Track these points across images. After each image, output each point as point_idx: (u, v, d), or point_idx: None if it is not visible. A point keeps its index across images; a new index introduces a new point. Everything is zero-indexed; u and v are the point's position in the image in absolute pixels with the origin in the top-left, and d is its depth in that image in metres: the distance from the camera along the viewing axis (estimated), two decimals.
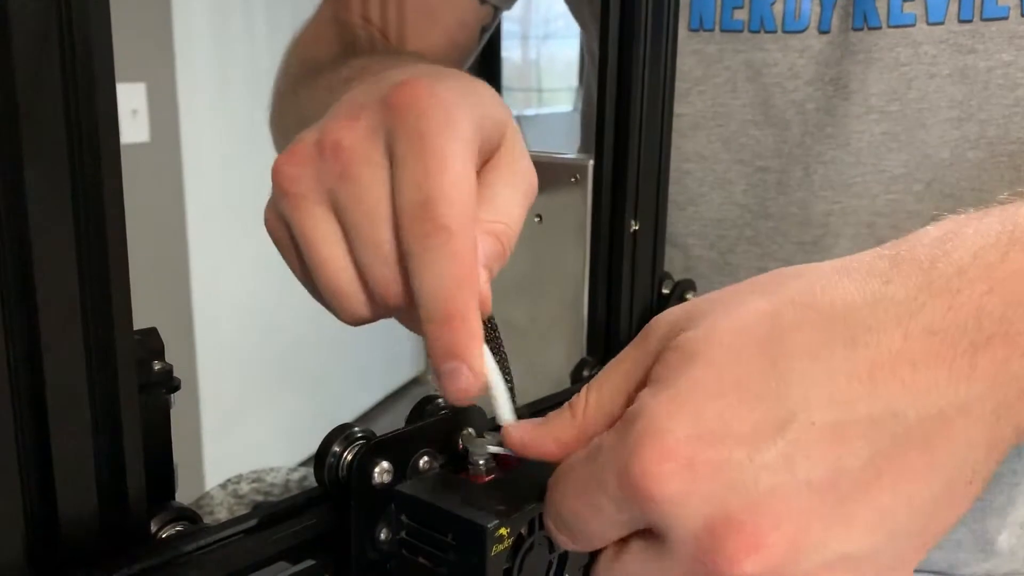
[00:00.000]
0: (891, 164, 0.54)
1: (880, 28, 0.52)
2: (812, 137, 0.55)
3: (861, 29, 0.52)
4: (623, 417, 0.26)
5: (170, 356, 0.32)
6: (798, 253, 0.57)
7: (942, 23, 0.50)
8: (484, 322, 0.31)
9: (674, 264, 0.60)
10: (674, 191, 0.59)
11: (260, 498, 0.75)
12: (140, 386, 0.30)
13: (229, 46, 2.10)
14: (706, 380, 0.25)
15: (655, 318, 0.29)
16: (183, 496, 0.77)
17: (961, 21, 0.50)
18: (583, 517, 0.28)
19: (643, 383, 0.27)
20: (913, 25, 0.51)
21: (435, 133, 0.28)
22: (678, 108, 0.57)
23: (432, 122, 0.28)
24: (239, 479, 0.77)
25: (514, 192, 0.32)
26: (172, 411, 0.32)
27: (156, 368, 0.31)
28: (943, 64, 0.51)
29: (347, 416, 2.79)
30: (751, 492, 0.24)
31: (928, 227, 0.28)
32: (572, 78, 3.86)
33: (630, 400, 0.28)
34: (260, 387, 2.25)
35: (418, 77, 0.30)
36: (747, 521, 0.23)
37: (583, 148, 0.70)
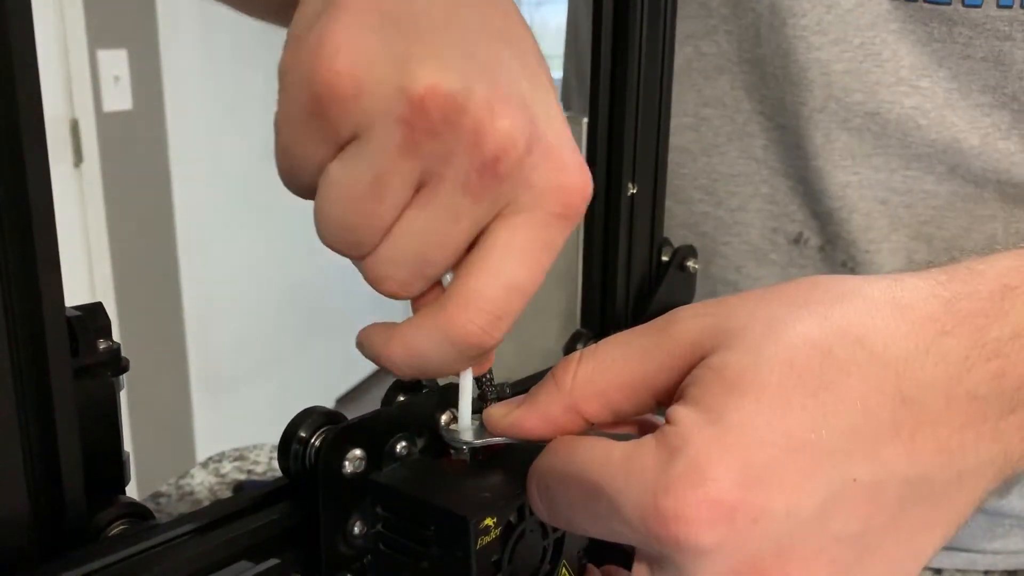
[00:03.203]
0: (916, 141, 0.51)
1: (916, 1, 0.49)
2: (837, 102, 0.52)
3: None
4: (661, 439, 0.25)
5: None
6: (811, 220, 0.55)
7: (979, 6, 0.49)
8: None
9: (672, 220, 0.57)
10: (689, 139, 0.56)
11: (243, 477, 0.72)
12: (82, 368, 0.27)
13: (212, 10, 2.04)
14: (756, 424, 0.24)
15: (676, 310, 0.27)
16: (171, 474, 0.75)
17: (1000, 7, 0.48)
18: (580, 521, 0.26)
19: (660, 386, 0.27)
20: (949, 4, 0.49)
21: (553, 246, 0.26)
22: (704, 47, 0.55)
23: (561, 235, 0.26)
24: (221, 457, 0.74)
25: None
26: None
27: (101, 347, 0.28)
28: (978, 47, 0.49)
29: (341, 388, 2.78)
30: (782, 543, 0.24)
31: (985, 265, 0.28)
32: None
33: (633, 392, 0.27)
34: (251, 359, 2.23)
35: (582, 163, 0.27)
36: (774, 570, 0.24)
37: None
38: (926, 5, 0.49)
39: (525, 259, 0.26)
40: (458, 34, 0.25)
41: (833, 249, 0.54)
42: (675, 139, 0.56)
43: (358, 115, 0.24)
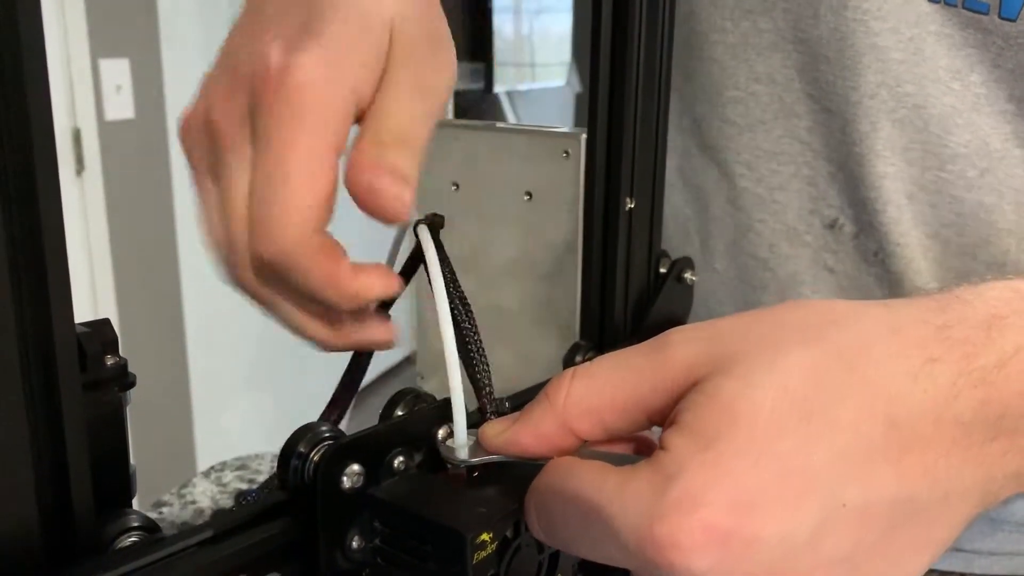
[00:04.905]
0: (954, 140, 0.52)
1: (955, 7, 0.50)
2: (889, 90, 0.52)
3: (938, 2, 0.51)
4: (655, 465, 0.25)
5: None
6: (848, 207, 0.55)
7: (1014, 20, 0.49)
8: (457, 314, 0.30)
9: (719, 192, 0.58)
10: (737, 112, 0.57)
11: (245, 486, 0.73)
12: (90, 383, 0.28)
13: (214, 19, 2.05)
14: (749, 450, 0.24)
15: (670, 332, 0.28)
16: (172, 483, 0.75)
17: None
18: (577, 545, 0.27)
19: (653, 406, 0.27)
20: (985, 14, 0.50)
21: (284, 137, 0.28)
22: (762, 23, 0.55)
23: (283, 121, 0.28)
24: (223, 467, 0.75)
25: (394, 90, 0.30)
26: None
27: (108, 363, 0.29)
28: (1008, 59, 0.50)
29: None
30: (775, 567, 0.24)
31: (973, 296, 0.29)
32: (565, 52, 3.82)
33: (626, 411, 0.27)
34: (252, 368, 2.23)
35: (286, 52, 0.28)
36: None
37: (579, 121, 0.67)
38: (964, 11, 0.50)
39: (258, 168, 0.29)
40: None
41: (866, 238, 0.55)
42: (724, 111, 0.57)
43: None
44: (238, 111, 0.29)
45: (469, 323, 0.30)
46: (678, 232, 0.61)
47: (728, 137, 0.57)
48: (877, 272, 0.55)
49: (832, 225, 0.55)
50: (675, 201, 0.61)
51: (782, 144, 0.56)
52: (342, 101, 0.28)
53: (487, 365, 0.31)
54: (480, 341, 0.31)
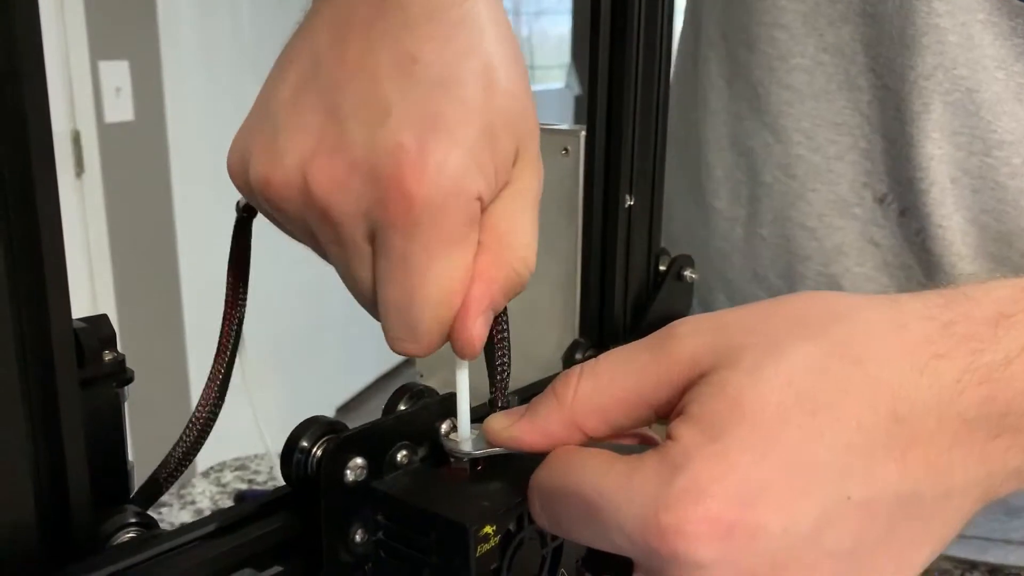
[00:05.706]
0: (1002, 128, 0.53)
1: None
2: (944, 72, 0.53)
3: None
4: (662, 455, 0.25)
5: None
6: (896, 185, 0.56)
7: None
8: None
9: (771, 158, 0.58)
10: (802, 80, 0.57)
11: (244, 486, 0.73)
12: (88, 379, 0.28)
13: (214, 21, 2.06)
14: (755, 444, 0.24)
15: (675, 324, 0.28)
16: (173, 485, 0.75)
17: None
18: (581, 533, 0.27)
19: (659, 401, 0.27)
20: None
21: (422, 261, 0.27)
22: None
23: (422, 245, 0.27)
24: (222, 467, 0.75)
25: (524, 215, 0.30)
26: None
27: (106, 359, 0.28)
28: None
29: (340, 398, 2.78)
30: (777, 559, 0.24)
31: (981, 293, 0.29)
32: (564, 55, 3.83)
33: (632, 408, 0.27)
34: (251, 369, 2.23)
35: (419, 160, 0.26)
36: None
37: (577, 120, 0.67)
38: (1017, 3, 0.50)
39: (394, 274, 0.28)
40: (269, 118, 0.30)
41: (910, 217, 0.55)
42: (788, 78, 0.57)
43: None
44: (355, 203, 0.27)
45: (502, 324, 0.31)
46: (728, 195, 0.62)
47: (789, 104, 0.57)
48: (918, 252, 0.55)
49: (882, 200, 0.56)
50: (726, 164, 0.61)
51: (844, 115, 0.56)
52: (476, 214, 0.28)
53: (509, 356, 0.31)
54: (508, 331, 0.31)
